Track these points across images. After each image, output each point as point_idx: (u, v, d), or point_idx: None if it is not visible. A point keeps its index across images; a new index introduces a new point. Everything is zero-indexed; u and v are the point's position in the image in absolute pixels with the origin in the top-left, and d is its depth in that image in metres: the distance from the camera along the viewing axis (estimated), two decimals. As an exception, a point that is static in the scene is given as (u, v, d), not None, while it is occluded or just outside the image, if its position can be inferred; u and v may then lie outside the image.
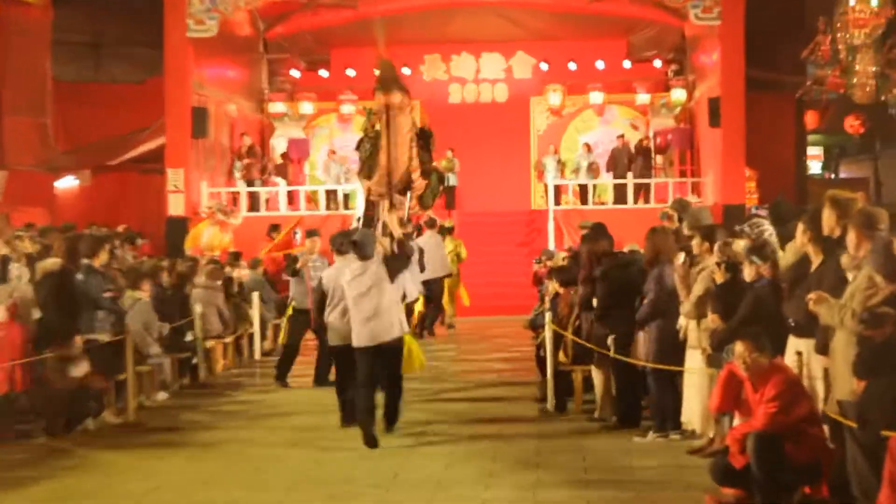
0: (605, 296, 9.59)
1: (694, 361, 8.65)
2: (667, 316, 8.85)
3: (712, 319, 8.12)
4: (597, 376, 10.02)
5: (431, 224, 16.52)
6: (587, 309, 9.98)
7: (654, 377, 9.01)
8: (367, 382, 9.28)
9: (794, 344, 7.34)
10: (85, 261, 10.77)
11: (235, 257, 16.06)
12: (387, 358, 9.34)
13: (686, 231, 9.35)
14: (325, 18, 25.66)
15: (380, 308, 9.19)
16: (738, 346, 6.99)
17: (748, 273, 7.92)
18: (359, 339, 9.25)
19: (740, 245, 8.41)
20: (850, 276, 6.61)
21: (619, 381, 9.63)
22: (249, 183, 22.67)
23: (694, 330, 8.59)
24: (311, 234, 13.61)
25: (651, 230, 9.39)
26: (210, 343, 13.56)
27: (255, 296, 15.17)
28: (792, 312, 7.30)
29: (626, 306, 9.26)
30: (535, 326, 12.68)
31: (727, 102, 20.42)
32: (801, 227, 7.28)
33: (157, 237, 20.60)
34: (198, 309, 13.11)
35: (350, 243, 9.57)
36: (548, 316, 10.81)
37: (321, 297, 10.04)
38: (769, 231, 8.49)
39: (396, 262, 9.55)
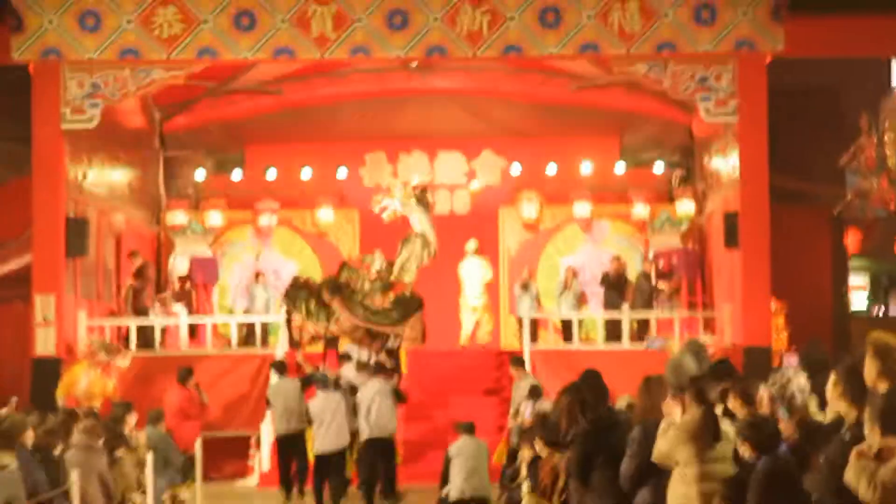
0: (576, 465, 9.75)
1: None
2: (660, 478, 9.03)
3: None
4: (590, 564, 10.17)
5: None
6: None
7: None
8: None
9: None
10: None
11: (126, 409, 16.14)
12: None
13: (669, 393, 9.37)
14: (240, 108, 26.26)
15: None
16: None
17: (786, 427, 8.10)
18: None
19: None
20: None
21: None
22: (139, 312, 22.88)
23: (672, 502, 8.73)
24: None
25: (644, 380, 9.63)
26: (89, 521, 13.55)
27: (150, 458, 15.24)
28: (815, 487, 7.45)
29: (607, 475, 9.47)
30: (513, 502, 12.82)
31: (747, 218, 20.93)
32: (832, 378, 7.59)
33: (19, 384, 20.58)
34: (74, 477, 13.13)
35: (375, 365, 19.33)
36: (525, 486, 11.00)
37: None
38: (798, 385, 8.78)
39: None
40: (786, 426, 8.37)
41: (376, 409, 18.18)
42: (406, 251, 21.68)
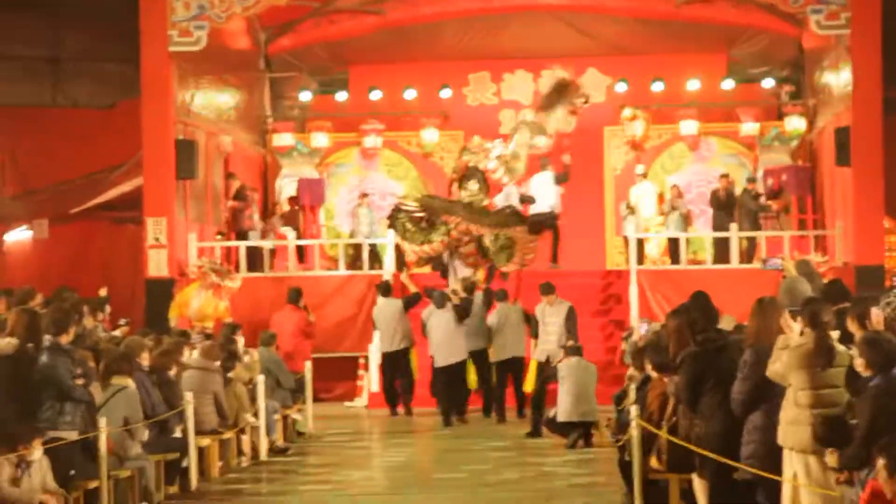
0: (685, 388, 9.72)
1: (792, 468, 8.71)
2: (772, 403, 8.95)
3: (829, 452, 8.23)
4: (699, 487, 10.16)
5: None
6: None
7: (765, 489, 9.11)
8: None
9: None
10: (48, 338, 11.01)
11: (233, 329, 16.39)
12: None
13: (786, 313, 9.24)
14: (343, 28, 26.22)
15: None
16: (880, 462, 7.01)
17: None
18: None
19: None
20: None
21: (715, 495, 9.73)
22: (238, 234, 23.14)
23: (784, 424, 8.66)
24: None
25: (757, 302, 9.52)
26: (204, 440, 13.83)
27: (261, 380, 15.49)
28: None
29: (716, 398, 9.43)
30: (622, 425, 12.80)
31: (860, 134, 20.62)
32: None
33: (133, 304, 20.98)
34: (188, 397, 13.39)
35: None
36: (634, 410, 10.98)
37: None
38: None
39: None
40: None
41: (507, 332, 18.76)
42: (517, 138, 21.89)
